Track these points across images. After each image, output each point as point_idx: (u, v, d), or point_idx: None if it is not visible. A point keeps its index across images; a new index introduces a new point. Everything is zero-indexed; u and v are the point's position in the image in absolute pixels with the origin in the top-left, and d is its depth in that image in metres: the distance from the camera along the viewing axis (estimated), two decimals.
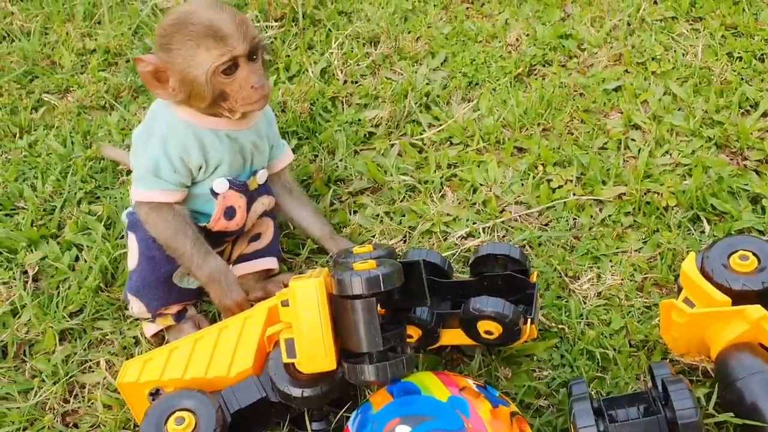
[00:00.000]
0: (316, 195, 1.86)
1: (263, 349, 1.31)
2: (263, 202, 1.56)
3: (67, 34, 2.55)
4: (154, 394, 1.25)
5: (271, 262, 1.61)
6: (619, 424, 1.05)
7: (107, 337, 1.58)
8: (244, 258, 1.61)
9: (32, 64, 2.43)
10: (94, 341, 1.58)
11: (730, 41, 2.13)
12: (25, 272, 1.72)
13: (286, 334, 1.21)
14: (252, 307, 1.37)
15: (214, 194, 1.45)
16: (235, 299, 1.43)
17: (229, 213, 1.48)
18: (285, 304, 1.17)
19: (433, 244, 1.67)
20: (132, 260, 1.51)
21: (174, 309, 1.52)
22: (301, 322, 1.13)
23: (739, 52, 2.08)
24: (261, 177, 1.54)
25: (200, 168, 1.43)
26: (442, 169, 1.87)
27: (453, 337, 1.34)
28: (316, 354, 1.12)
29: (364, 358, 1.13)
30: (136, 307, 1.50)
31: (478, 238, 1.67)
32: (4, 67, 2.43)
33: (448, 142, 1.97)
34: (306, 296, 1.12)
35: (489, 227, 1.69)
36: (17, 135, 2.16)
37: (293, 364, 1.21)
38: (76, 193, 1.90)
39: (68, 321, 1.59)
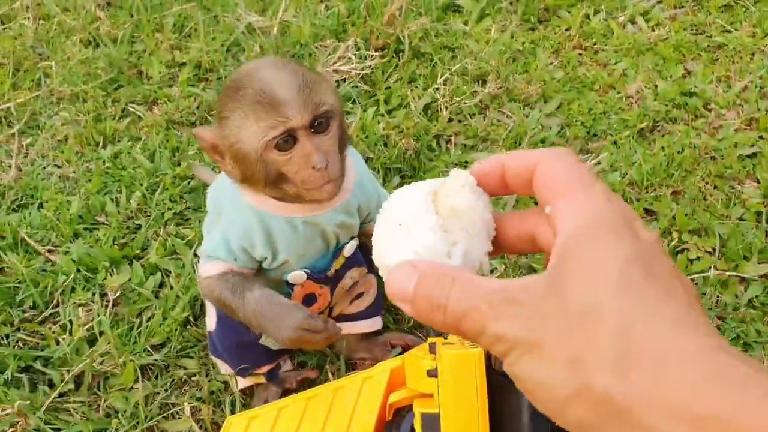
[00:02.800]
0: None
1: (383, 417, 1.13)
2: (352, 276, 1.34)
3: (156, 44, 2.44)
4: None
5: (374, 323, 1.43)
6: None
7: (193, 378, 1.42)
8: (345, 317, 1.42)
9: (118, 72, 2.32)
10: (178, 381, 1.42)
11: None
12: (104, 295, 1.58)
13: (422, 407, 1.03)
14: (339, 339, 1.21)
15: (290, 285, 1.25)
16: (292, 326, 1.12)
17: (309, 300, 1.28)
18: (432, 374, 1.00)
19: None
20: (210, 321, 1.33)
21: (265, 369, 1.35)
22: (451, 399, 0.95)
23: None
24: (349, 250, 1.28)
25: (265, 259, 1.20)
26: None
27: None
28: None
29: None
30: (223, 368, 1.35)
31: None
32: (90, 72, 2.33)
33: None
34: (462, 370, 0.94)
35: None
36: (100, 144, 2.04)
37: None
38: (163, 213, 1.76)
39: (150, 355, 1.44)
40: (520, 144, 1.91)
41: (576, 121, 2.01)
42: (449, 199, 0.86)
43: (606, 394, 0.51)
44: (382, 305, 1.47)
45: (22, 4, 2.75)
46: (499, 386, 0.96)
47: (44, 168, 1.99)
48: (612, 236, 0.54)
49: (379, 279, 1.44)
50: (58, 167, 1.99)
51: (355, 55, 2.25)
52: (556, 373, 0.53)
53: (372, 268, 1.41)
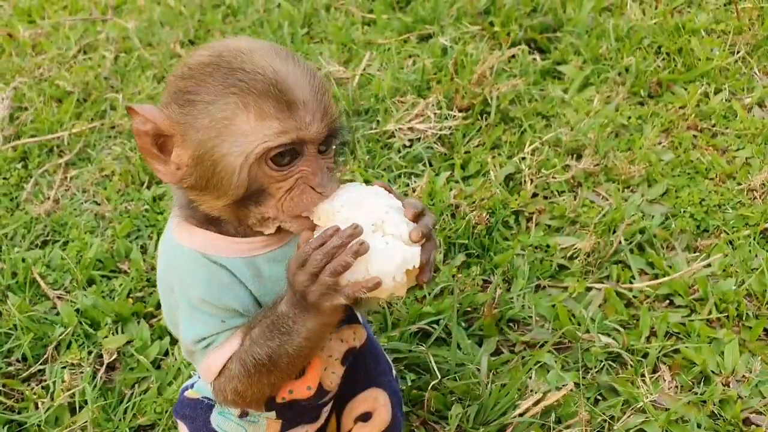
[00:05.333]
0: (479, 335, 1.41)
1: None
2: (343, 338, 1.03)
3: None
4: None
5: None
6: None
7: None
8: None
9: None
10: None
11: None
12: (101, 355, 1.36)
13: None
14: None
15: None
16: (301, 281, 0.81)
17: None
18: None
19: None
20: None
21: None
22: None
23: None
24: None
25: (240, 313, 0.90)
26: (658, 338, 1.37)
27: None
28: None
29: None
30: None
31: None
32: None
33: (667, 301, 1.48)
34: None
35: None
36: (145, 184, 1.87)
37: None
38: None
39: None
40: (614, 231, 1.61)
41: (684, 211, 1.69)
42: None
43: None
44: (400, 426, 1.13)
45: (107, 36, 2.69)
46: None
47: (82, 203, 1.83)
48: None
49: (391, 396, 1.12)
50: (97, 204, 1.83)
51: (435, 113, 2.02)
52: None
53: (375, 380, 1.11)
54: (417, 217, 0.83)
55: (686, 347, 1.34)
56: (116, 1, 3.03)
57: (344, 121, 0.86)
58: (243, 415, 0.99)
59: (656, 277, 1.52)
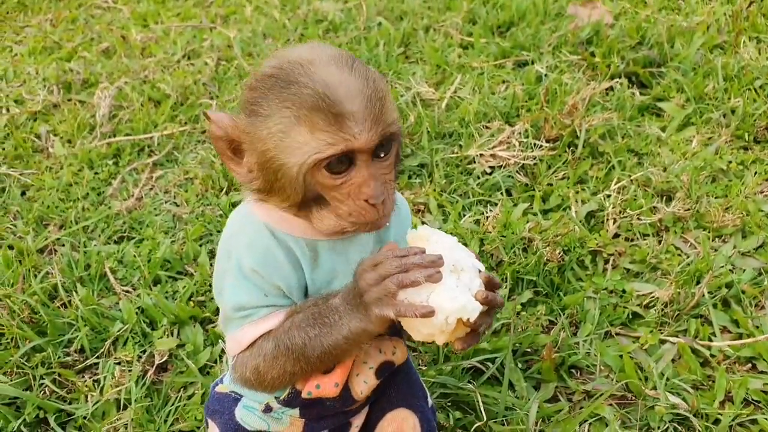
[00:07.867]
0: (537, 378, 1.34)
1: None
2: (383, 348, 1.00)
3: None
4: None
5: None
6: None
7: None
8: None
9: None
10: None
11: None
12: (154, 356, 1.37)
13: None
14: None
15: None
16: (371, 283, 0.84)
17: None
18: None
19: None
20: None
21: None
22: None
23: None
24: None
25: (284, 293, 0.92)
26: (734, 404, 1.26)
27: None
28: None
29: None
30: None
31: None
32: None
33: (750, 364, 1.36)
34: None
35: None
36: (224, 190, 1.90)
37: None
38: None
39: None
40: (698, 283, 1.49)
41: None
42: None
43: None
44: None
45: (212, 44, 2.77)
46: None
47: (162, 203, 1.87)
48: None
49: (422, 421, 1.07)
50: (176, 205, 1.87)
51: (521, 142, 1.96)
52: None
53: (406, 401, 1.08)
54: (490, 287, 0.85)
55: (765, 419, 1.22)
56: (226, 10, 3.14)
57: (398, 126, 0.87)
58: (267, 410, 0.99)
59: (740, 336, 1.40)
